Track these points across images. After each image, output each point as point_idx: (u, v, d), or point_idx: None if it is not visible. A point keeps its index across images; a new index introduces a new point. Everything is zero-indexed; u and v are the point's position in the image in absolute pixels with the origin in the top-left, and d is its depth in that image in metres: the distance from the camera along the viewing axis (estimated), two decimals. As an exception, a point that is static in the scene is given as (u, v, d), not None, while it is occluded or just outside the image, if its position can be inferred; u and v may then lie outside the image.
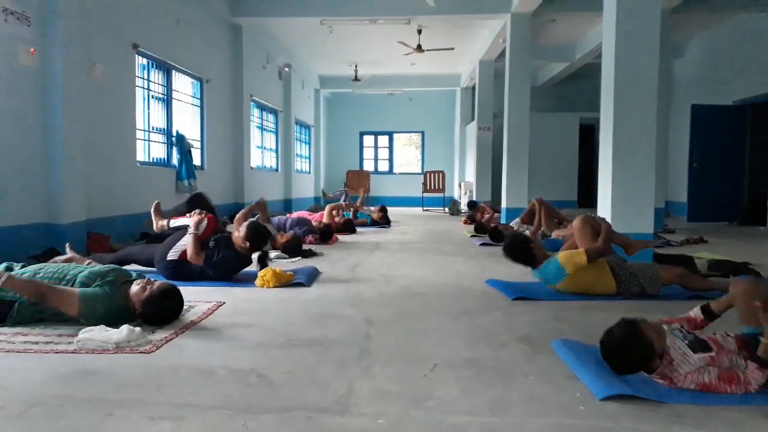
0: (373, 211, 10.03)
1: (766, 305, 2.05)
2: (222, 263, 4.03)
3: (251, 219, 4.67)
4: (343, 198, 9.78)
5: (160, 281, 2.96)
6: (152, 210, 4.83)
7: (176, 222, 4.58)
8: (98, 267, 3.06)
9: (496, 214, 9.04)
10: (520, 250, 3.76)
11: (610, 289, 3.62)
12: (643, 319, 2.09)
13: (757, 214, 10.08)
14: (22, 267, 3.06)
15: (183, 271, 4.05)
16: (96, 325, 2.67)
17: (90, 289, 2.80)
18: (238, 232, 4.19)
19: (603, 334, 2.12)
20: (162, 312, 2.86)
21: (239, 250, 4.15)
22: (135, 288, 2.87)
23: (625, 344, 2.01)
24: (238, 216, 5.34)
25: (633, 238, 4.04)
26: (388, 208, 10.34)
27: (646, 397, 1.93)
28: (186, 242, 4.07)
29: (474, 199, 12.65)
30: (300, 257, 5.51)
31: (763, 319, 2.03)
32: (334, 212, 7.96)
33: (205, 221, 4.17)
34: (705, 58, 11.35)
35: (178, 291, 2.95)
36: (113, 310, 2.79)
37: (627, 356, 2.03)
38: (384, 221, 9.69)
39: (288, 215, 7.57)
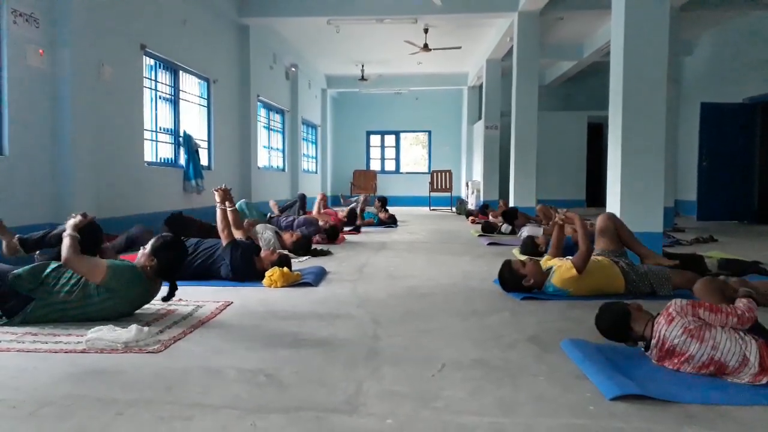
0: (375, 208, 10.03)
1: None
2: (242, 261, 4.09)
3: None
4: (360, 203, 9.92)
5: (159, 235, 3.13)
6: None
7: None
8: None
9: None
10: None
11: (619, 289, 3.60)
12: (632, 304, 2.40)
13: (767, 212, 10.00)
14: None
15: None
16: (118, 298, 2.84)
17: (118, 262, 2.98)
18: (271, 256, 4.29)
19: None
20: (172, 252, 3.00)
21: (264, 260, 4.21)
22: (139, 254, 3.03)
23: (610, 309, 2.44)
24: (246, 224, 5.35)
25: (650, 249, 4.00)
26: (396, 209, 10.35)
27: (657, 397, 1.92)
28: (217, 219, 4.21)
29: (483, 200, 12.63)
30: (309, 256, 5.52)
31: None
32: (323, 211, 8.06)
33: (227, 197, 4.35)
34: (714, 55, 11.27)
35: (180, 239, 3.16)
36: (136, 278, 2.92)
37: (609, 316, 2.41)
38: (390, 221, 9.68)
39: (295, 215, 7.58)
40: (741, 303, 2.20)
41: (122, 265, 2.95)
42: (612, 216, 3.97)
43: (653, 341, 2.22)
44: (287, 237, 5.75)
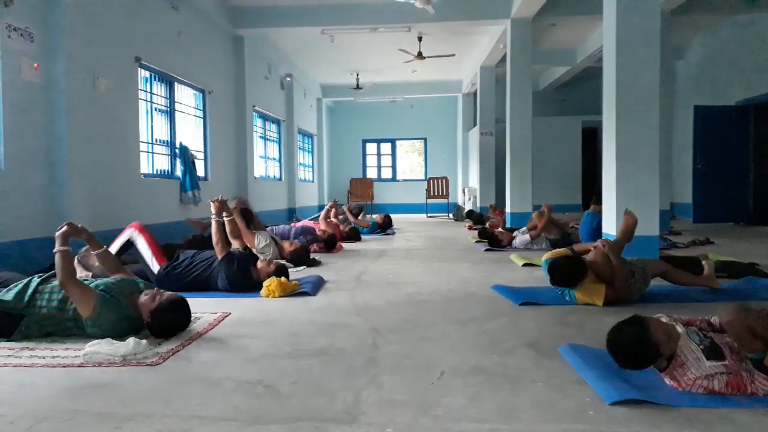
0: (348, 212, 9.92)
1: (755, 333, 2.00)
2: (239, 273, 4.07)
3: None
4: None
5: (169, 292, 2.97)
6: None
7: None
8: (107, 279, 3.08)
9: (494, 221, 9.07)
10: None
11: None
12: (657, 317, 2.10)
13: (762, 214, 10.05)
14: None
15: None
16: (103, 331, 2.72)
17: (106, 297, 2.83)
18: (265, 262, 4.27)
19: (612, 329, 2.13)
20: (170, 323, 2.86)
21: (261, 271, 4.20)
22: (144, 298, 2.89)
23: (632, 343, 2.04)
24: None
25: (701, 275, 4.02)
26: (393, 216, 10.30)
27: (656, 402, 1.92)
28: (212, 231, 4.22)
29: (472, 208, 12.66)
30: (305, 267, 5.51)
31: (758, 344, 2.01)
32: (328, 218, 7.95)
33: (223, 208, 4.36)
34: (706, 59, 11.35)
35: (186, 303, 2.96)
36: (124, 319, 2.83)
37: (631, 355, 2.05)
38: (386, 225, 9.67)
39: (292, 224, 7.57)
40: (762, 388, 1.95)
41: (110, 307, 2.80)
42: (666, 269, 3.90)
43: (667, 379, 2.06)
44: (286, 246, 5.75)
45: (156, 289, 2.96)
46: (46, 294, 2.86)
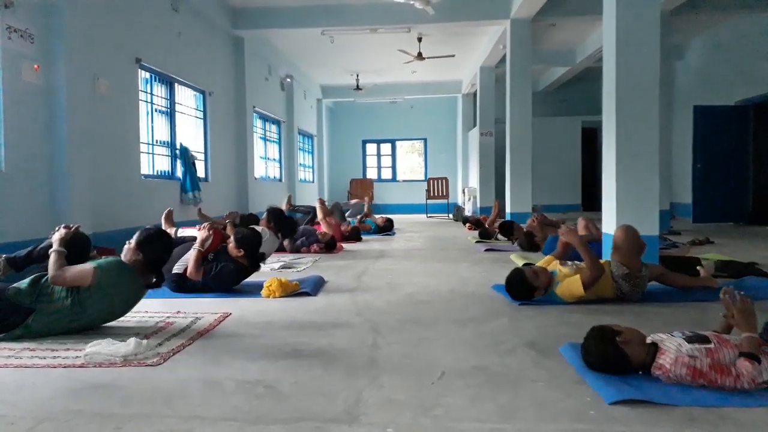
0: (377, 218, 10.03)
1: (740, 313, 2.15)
2: (221, 275, 4.02)
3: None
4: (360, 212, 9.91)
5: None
6: (163, 217, 4.87)
7: (183, 232, 4.59)
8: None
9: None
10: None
11: (609, 293, 3.57)
12: (615, 329, 2.19)
13: (762, 213, 10.04)
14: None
15: (186, 284, 4.05)
16: (107, 296, 2.85)
17: (103, 260, 3.00)
18: (231, 242, 4.18)
19: (582, 344, 2.26)
20: (156, 244, 3.07)
21: (237, 260, 4.13)
22: (124, 251, 3.07)
23: (601, 356, 2.17)
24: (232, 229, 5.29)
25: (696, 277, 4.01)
26: (393, 216, 10.31)
27: (657, 401, 1.92)
28: (189, 257, 4.07)
29: (467, 214, 12.62)
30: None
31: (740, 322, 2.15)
32: (328, 219, 7.87)
33: (211, 238, 4.15)
34: (706, 59, 11.35)
35: (158, 229, 3.28)
36: (125, 270, 2.97)
37: (603, 364, 2.17)
38: (388, 225, 9.69)
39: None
40: (744, 367, 1.98)
41: (108, 261, 3.00)
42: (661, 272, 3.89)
43: (655, 372, 2.10)
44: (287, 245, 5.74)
45: (128, 241, 3.10)
46: (55, 287, 2.88)
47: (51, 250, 2.96)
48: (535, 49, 10.42)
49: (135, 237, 3.06)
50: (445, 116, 18.01)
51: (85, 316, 2.87)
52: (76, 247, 3.11)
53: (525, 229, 6.67)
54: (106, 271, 2.90)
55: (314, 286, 4.25)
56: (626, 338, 2.15)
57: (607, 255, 4.59)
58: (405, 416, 1.86)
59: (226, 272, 4.03)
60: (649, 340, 2.21)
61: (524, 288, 3.57)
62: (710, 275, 4.01)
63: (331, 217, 8.06)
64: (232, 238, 4.16)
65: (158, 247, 3.09)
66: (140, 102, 6.98)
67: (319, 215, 7.89)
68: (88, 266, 2.90)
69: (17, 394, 2.12)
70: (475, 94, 14.62)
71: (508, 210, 9.47)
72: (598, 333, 2.21)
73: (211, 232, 4.15)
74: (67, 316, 2.85)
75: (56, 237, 3.03)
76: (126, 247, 3.07)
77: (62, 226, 3.14)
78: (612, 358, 2.14)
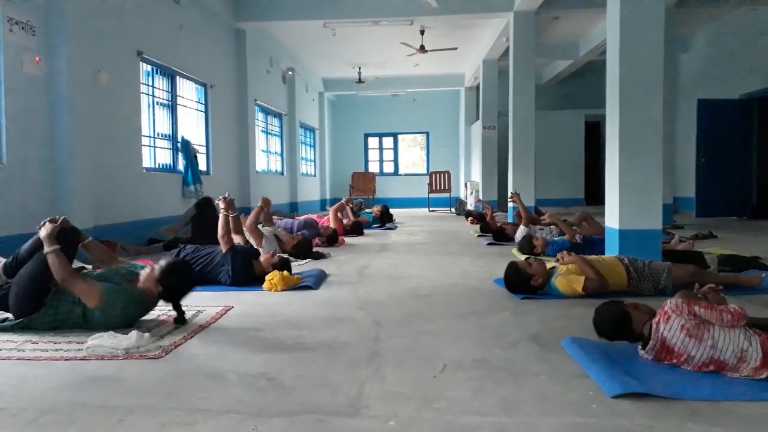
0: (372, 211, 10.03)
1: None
2: (242, 267, 4.10)
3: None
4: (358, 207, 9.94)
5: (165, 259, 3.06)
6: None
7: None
8: (105, 270, 3.11)
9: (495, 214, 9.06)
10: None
11: (622, 286, 3.58)
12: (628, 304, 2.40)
13: (765, 207, 10.01)
14: None
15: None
16: (112, 318, 2.79)
17: (110, 284, 2.88)
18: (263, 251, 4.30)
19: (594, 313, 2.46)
20: (179, 281, 2.94)
21: (259, 268, 4.22)
22: (144, 273, 2.94)
23: (609, 314, 2.40)
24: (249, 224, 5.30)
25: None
26: (395, 210, 10.31)
27: (659, 395, 1.91)
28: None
29: (471, 208, 12.57)
30: (309, 259, 5.51)
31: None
32: (339, 215, 7.94)
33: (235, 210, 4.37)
34: (710, 52, 11.29)
35: (187, 263, 3.21)
36: (131, 302, 2.88)
37: (608, 322, 2.38)
38: (386, 218, 9.69)
39: (296, 218, 7.56)
40: (732, 305, 2.21)
41: (115, 291, 2.85)
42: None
43: (651, 342, 2.21)
44: (287, 240, 5.74)
45: (151, 263, 3.01)
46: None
47: (46, 251, 2.79)
48: (538, 42, 10.37)
49: (159, 267, 2.90)
50: (447, 110, 17.94)
51: (88, 327, 2.84)
52: (65, 240, 2.91)
53: (494, 226, 6.80)
54: (111, 303, 2.81)
55: (316, 280, 4.25)
56: (635, 304, 2.37)
57: (609, 249, 4.60)
58: (407, 409, 1.86)
59: (243, 268, 4.13)
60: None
61: (519, 278, 3.60)
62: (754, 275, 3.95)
63: (342, 214, 8.12)
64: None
65: (179, 279, 2.94)
66: (142, 94, 6.97)
67: (333, 208, 7.96)
68: (96, 288, 2.80)
69: (20, 386, 2.12)
70: (477, 88, 14.56)
71: (510, 204, 9.43)
72: (611, 300, 2.48)
73: (227, 198, 4.35)
74: (72, 321, 2.85)
75: (44, 234, 2.84)
76: (146, 272, 2.92)
77: (47, 219, 2.92)
78: (618, 316, 2.34)
